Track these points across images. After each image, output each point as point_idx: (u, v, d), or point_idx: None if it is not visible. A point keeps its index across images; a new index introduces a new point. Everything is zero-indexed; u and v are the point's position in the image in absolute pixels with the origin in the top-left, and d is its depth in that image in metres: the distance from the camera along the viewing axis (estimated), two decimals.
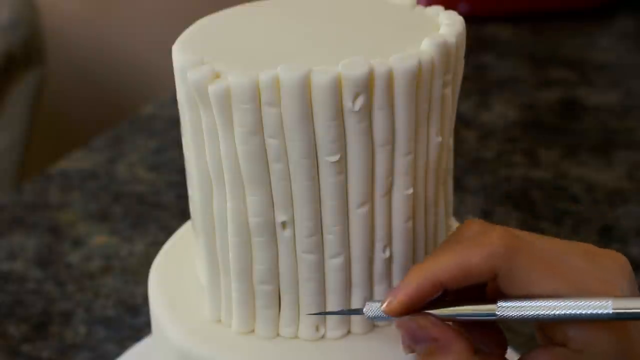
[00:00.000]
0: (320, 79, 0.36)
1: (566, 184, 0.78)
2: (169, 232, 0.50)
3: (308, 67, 0.36)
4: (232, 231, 0.39)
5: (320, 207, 0.38)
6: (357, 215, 0.38)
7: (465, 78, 0.42)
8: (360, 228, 0.39)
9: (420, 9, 0.43)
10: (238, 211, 0.39)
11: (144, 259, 0.69)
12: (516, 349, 0.57)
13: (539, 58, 1.05)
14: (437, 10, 0.42)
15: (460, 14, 0.41)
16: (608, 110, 0.92)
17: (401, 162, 0.38)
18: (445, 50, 0.38)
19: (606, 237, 0.70)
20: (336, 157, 0.37)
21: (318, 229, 0.39)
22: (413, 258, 0.41)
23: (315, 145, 0.37)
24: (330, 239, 0.39)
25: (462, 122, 0.88)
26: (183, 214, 0.62)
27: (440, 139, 0.40)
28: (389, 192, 0.39)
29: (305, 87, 0.36)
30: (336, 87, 0.36)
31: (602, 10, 1.15)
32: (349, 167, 0.38)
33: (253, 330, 0.41)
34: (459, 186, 0.76)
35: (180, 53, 0.39)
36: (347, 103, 0.36)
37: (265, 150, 0.37)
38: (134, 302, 0.65)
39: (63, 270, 0.69)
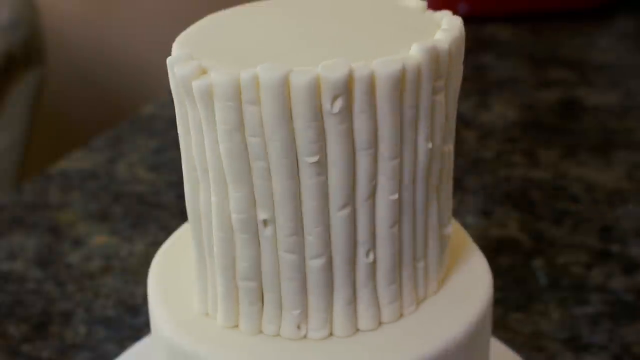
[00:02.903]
0: (299, 79, 0.35)
1: (566, 184, 0.78)
2: (169, 232, 0.50)
3: (288, 67, 0.35)
4: (216, 226, 0.39)
5: (301, 207, 0.38)
6: (338, 217, 0.38)
7: (465, 78, 0.42)
8: (341, 231, 0.38)
9: (429, 13, 0.42)
10: (222, 207, 0.39)
11: (144, 259, 0.69)
12: (516, 348, 0.57)
13: (539, 58, 1.05)
14: (444, 15, 0.41)
15: (460, 14, 0.41)
16: (608, 110, 0.92)
17: (385, 167, 0.38)
18: (434, 56, 0.37)
19: (606, 237, 0.70)
20: (315, 158, 0.37)
21: (299, 228, 0.38)
22: (399, 264, 0.40)
23: (295, 145, 0.37)
24: (311, 240, 0.38)
25: (462, 122, 0.88)
26: (183, 214, 0.62)
27: (430, 145, 0.39)
28: (372, 196, 0.38)
29: (284, 87, 0.35)
30: (315, 88, 0.35)
31: (602, 11, 1.15)
32: (330, 169, 0.37)
33: (237, 325, 0.41)
34: (459, 186, 0.76)
35: (176, 51, 0.39)
36: (326, 105, 0.36)
37: (247, 147, 0.37)
38: (134, 302, 0.65)
39: (63, 270, 0.69)
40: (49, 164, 0.86)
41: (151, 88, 1.31)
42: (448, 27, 0.39)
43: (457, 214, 0.52)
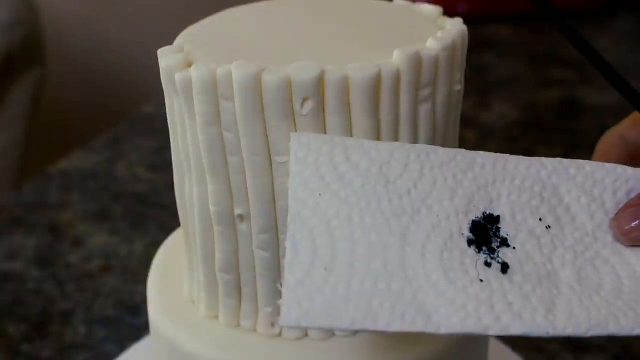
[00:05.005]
0: (270, 79, 0.35)
1: None
2: (168, 232, 0.50)
3: (262, 66, 0.35)
4: (198, 217, 0.40)
5: (275, 205, 0.38)
6: None
7: (465, 78, 0.42)
8: None
9: (442, 20, 0.41)
10: (202, 198, 0.39)
11: (144, 259, 0.69)
12: (516, 348, 0.57)
13: (539, 58, 1.05)
14: (451, 22, 0.40)
15: (460, 13, 0.40)
16: (608, 110, 0.92)
17: None
18: (417, 64, 0.37)
19: None
20: (284, 159, 0.37)
21: (272, 227, 0.38)
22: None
23: (268, 143, 0.37)
24: (283, 239, 0.38)
25: (462, 122, 0.88)
26: None
27: None
28: None
29: (256, 85, 0.35)
30: (286, 89, 0.35)
31: (602, 11, 1.15)
32: None
33: (218, 316, 0.42)
34: None
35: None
36: (296, 106, 0.36)
37: (223, 141, 0.37)
38: (134, 302, 0.65)
39: (63, 270, 0.69)
40: (49, 164, 0.86)
41: (151, 88, 1.30)
42: (443, 35, 0.38)
43: None
